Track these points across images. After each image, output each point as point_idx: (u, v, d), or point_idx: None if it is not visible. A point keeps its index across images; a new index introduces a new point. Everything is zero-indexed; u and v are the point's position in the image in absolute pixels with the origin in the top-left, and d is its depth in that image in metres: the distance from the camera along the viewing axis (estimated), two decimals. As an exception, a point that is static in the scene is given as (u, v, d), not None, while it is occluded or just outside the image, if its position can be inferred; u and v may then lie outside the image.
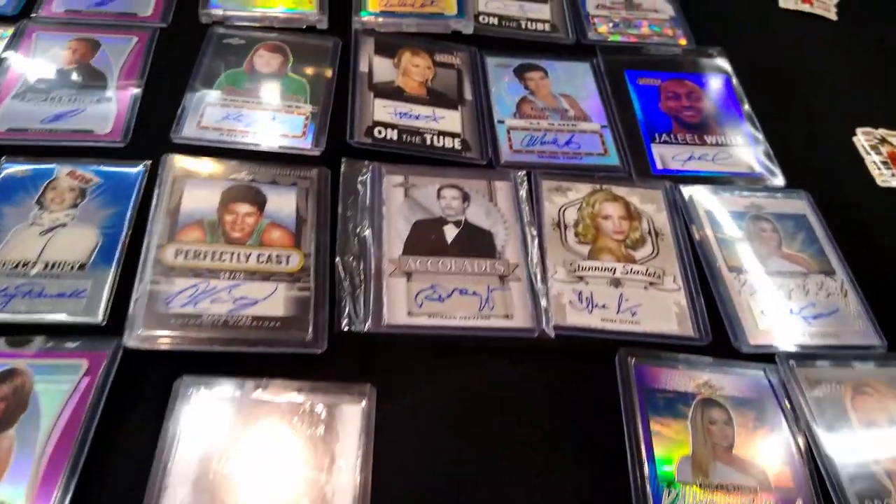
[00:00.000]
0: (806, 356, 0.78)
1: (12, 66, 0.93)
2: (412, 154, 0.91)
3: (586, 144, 0.97)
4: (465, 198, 0.88)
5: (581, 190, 0.91)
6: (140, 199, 0.81)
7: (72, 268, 0.74)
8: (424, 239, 0.83)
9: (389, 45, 1.04)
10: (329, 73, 0.99)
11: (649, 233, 0.87)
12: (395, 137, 0.92)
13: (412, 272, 0.79)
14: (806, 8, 1.27)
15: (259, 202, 0.81)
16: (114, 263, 0.75)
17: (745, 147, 1.00)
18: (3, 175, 0.81)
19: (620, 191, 0.91)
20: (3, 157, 0.83)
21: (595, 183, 0.92)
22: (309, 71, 0.99)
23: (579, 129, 0.99)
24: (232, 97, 0.94)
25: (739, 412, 0.73)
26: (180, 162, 0.83)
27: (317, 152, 0.90)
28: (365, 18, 1.07)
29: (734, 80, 1.09)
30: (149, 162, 0.85)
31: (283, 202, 0.82)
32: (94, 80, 0.93)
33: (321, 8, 1.07)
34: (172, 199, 0.79)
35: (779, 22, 1.25)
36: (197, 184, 0.81)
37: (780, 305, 0.82)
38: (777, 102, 1.09)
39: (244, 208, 0.80)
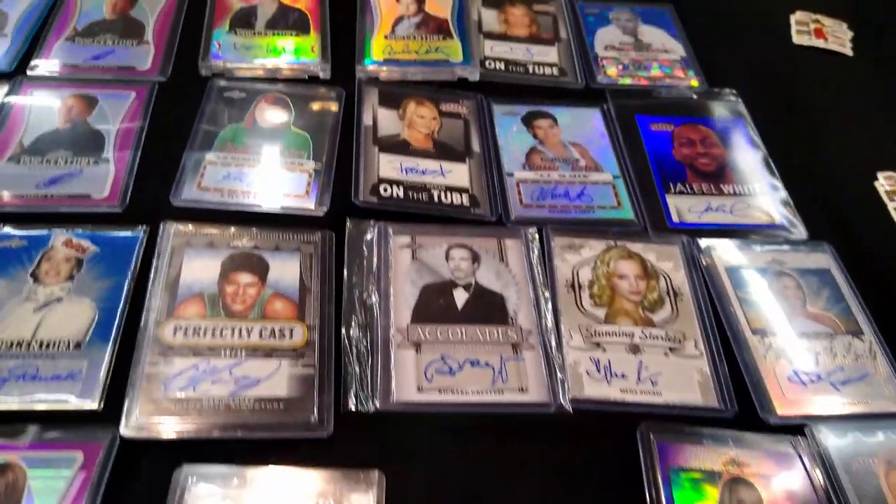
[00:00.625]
0: (836, 427, 0.74)
1: (7, 125, 0.90)
2: (419, 212, 0.89)
3: (599, 197, 0.94)
4: (475, 258, 0.84)
5: (595, 247, 0.88)
6: (138, 268, 0.78)
7: (68, 346, 0.71)
8: (434, 305, 0.79)
9: (394, 95, 1.01)
10: (332, 126, 0.97)
11: (667, 293, 0.84)
12: (401, 195, 0.89)
13: (421, 342, 0.76)
14: (820, 44, 1.24)
15: (261, 271, 0.78)
16: (110, 342, 0.72)
17: (764, 196, 0.96)
18: (-4, 246, 0.79)
19: (636, 247, 0.88)
20: (-4, 226, 0.81)
21: (609, 239, 0.88)
22: (312, 124, 0.97)
23: (591, 180, 0.95)
24: (233, 155, 0.91)
25: (770, 491, 0.69)
26: (179, 229, 0.80)
27: (321, 212, 0.87)
28: (369, 67, 1.05)
29: (749, 124, 1.06)
30: (147, 227, 0.82)
31: (286, 270, 0.79)
32: (91, 140, 0.90)
33: (324, 57, 1.05)
34: (171, 271, 0.76)
35: (793, 59, 1.21)
36: (197, 253, 0.78)
37: (808, 371, 0.78)
38: (794, 146, 1.06)
39: (245, 278, 0.77)
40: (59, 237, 0.80)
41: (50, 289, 0.76)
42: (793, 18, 1.28)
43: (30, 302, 0.74)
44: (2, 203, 0.83)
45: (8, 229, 0.80)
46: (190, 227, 0.80)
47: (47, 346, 0.71)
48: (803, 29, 1.27)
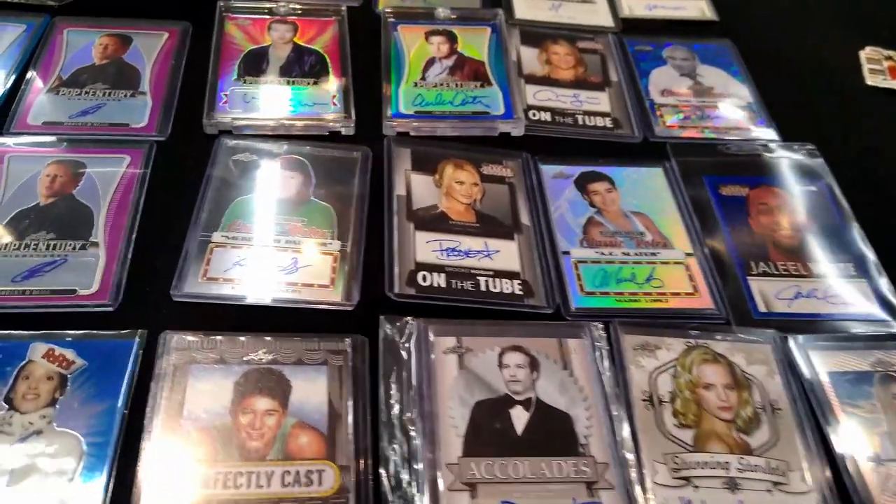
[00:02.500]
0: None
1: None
2: (465, 305, 0.76)
3: (672, 281, 0.80)
4: (534, 365, 0.71)
5: (673, 347, 0.74)
6: (134, 389, 0.65)
7: (48, 497, 0.58)
8: (488, 429, 0.66)
9: (428, 157, 0.88)
10: (359, 196, 0.84)
11: (763, 408, 0.71)
12: (442, 284, 0.76)
13: (476, 483, 0.63)
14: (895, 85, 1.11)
15: (282, 394, 0.65)
16: (101, 490, 0.59)
17: (859, 280, 0.82)
18: (-38, 361, 0.66)
19: (720, 346, 0.75)
20: (-36, 333, 0.67)
21: (688, 338, 0.76)
22: (334, 193, 0.83)
23: (660, 259, 0.82)
24: (244, 235, 0.78)
25: None
26: (183, 340, 0.67)
27: (349, 307, 0.74)
28: (398, 122, 0.91)
29: (833, 185, 0.92)
30: (143, 332, 0.69)
31: (311, 391, 0.65)
32: (77, 220, 0.77)
33: (347, 110, 0.92)
34: (174, 398, 0.63)
35: (868, 103, 1.08)
36: (204, 372, 0.65)
37: (940, 511, 0.66)
38: (882, 207, 0.93)
39: (263, 404, 0.64)
40: (38, 349, 0.67)
41: (28, 417, 0.62)
42: (862, 55, 1.15)
43: (4, 435, 0.61)
44: (-29, 302, 0.70)
45: (-23, 337, 0.67)
46: (195, 338, 0.67)
47: (23, 493, 0.58)
48: (876, 68, 1.13)
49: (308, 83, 0.93)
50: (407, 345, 0.71)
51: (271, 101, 0.91)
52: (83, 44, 0.94)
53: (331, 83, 0.94)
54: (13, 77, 0.90)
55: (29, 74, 0.90)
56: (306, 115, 0.90)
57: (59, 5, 1.00)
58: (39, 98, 0.87)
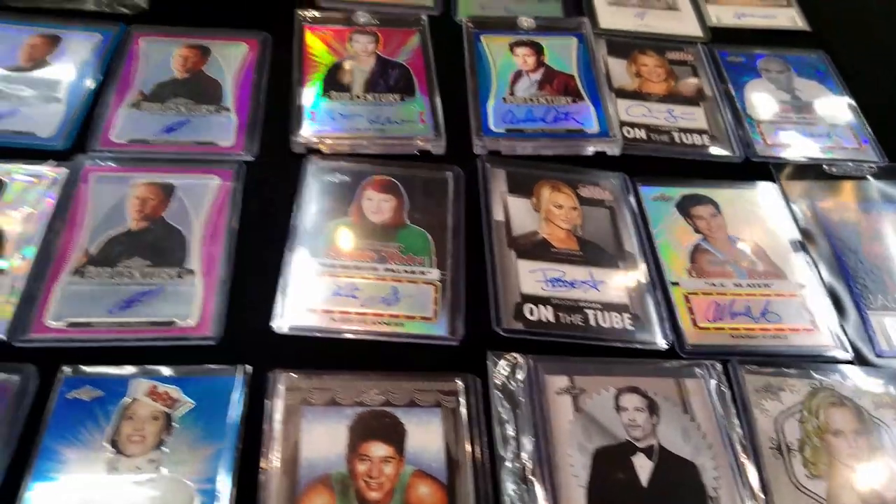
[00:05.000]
0: None
1: (67, 225, 0.74)
2: (574, 341, 0.72)
3: (788, 315, 0.76)
4: (653, 408, 0.67)
5: (797, 389, 0.70)
6: (244, 427, 0.62)
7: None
8: (612, 480, 0.62)
9: (525, 179, 0.84)
10: (454, 219, 0.80)
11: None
12: (550, 318, 0.73)
13: (604, 540, 0.60)
14: None
15: (397, 439, 0.61)
16: (217, 546, 0.57)
17: None
18: (63, 399, 0.63)
19: (846, 388, 0.71)
20: (62, 369, 0.65)
21: (812, 378, 0.71)
22: (429, 217, 0.80)
23: (775, 291, 0.78)
24: (341, 263, 0.74)
25: None
26: (293, 381, 0.64)
27: (455, 342, 0.71)
28: (488, 140, 0.87)
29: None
30: (249, 369, 0.66)
31: (427, 436, 0.62)
32: (171, 246, 0.74)
33: (436, 127, 0.88)
34: (288, 443, 0.60)
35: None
36: (317, 415, 0.62)
37: None
38: None
39: (380, 450, 0.61)
40: (141, 386, 0.64)
41: (136, 461, 0.60)
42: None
43: (112, 481, 0.59)
44: (69, 333, 0.67)
45: (80, 369, 0.65)
46: (305, 377, 0.64)
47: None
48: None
49: (394, 99, 0.90)
50: (518, 384, 0.67)
51: (358, 118, 0.87)
52: (161, 55, 0.91)
53: (417, 99, 0.90)
54: (92, 90, 0.87)
55: (108, 87, 0.87)
56: (395, 134, 0.87)
57: (132, 13, 0.97)
58: (121, 113, 0.84)
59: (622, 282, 0.77)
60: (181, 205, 0.77)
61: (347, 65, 0.93)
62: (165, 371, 0.65)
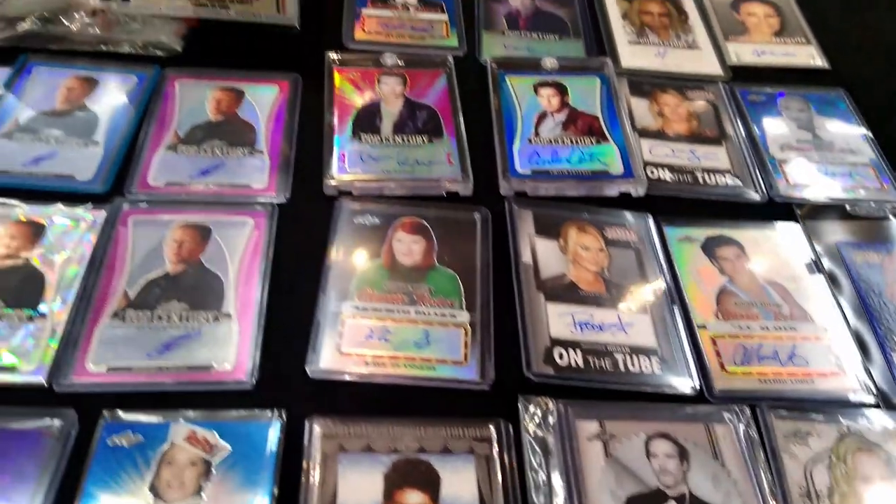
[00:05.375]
0: None
1: (106, 268, 0.76)
2: (604, 386, 0.73)
3: (814, 359, 0.77)
4: (683, 455, 0.68)
5: (825, 435, 0.71)
6: (280, 473, 0.63)
7: None
8: (643, 527, 0.64)
9: (552, 220, 0.86)
10: (482, 260, 0.81)
11: (929, 506, 0.67)
12: (580, 363, 0.74)
13: (639, 588, 0.60)
14: None
15: (432, 487, 0.62)
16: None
17: None
18: (104, 445, 0.64)
19: (874, 433, 0.71)
20: (103, 414, 0.66)
21: (840, 424, 0.72)
22: (458, 259, 0.81)
23: (801, 334, 0.78)
24: (374, 306, 0.76)
25: None
26: (329, 428, 0.65)
27: (486, 386, 0.72)
28: (515, 181, 0.89)
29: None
30: (283, 412, 0.67)
31: (461, 484, 0.63)
32: (208, 289, 0.75)
33: (464, 168, 0.90)
34: (325, 490, 0.61)
35: None
36: (353, 462, 0.63)
37: None
38: None
39: (415, 498, 0.62)
40: (179, 431, 0.65)
41: (176, 507, 0.61)
42: None
43: (153, 527, 0.60)
44: (109, 378, 0.69)
45: (120, 415, 0.66)
46: (342, 424, 0.65)
47: None
48: None
49: (422, 140, 0.92)
50: (549, 430, 0.68)
51: (387, 159, 0.89)
52: (196, 98, 0.94)
53: (444, 140, 0.92)
54: (129, 132, 0.89)
55: (145, 130, 0.89)
56: (423, 175, 0.88)
57: (167, 56, 1.00)
58: (158, 156, 0.86)
59: (649, 324, 0.77)
60: (217, 247, 0.79)
61: (376, 107, 0.95)
62: (203, 416, 0.67)
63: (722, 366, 0.75)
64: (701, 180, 0.93)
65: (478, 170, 0.90)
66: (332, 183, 0.86)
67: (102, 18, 1.01)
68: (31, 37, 0.99)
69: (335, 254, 0.80)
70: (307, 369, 0.71)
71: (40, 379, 0.68)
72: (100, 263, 0.76)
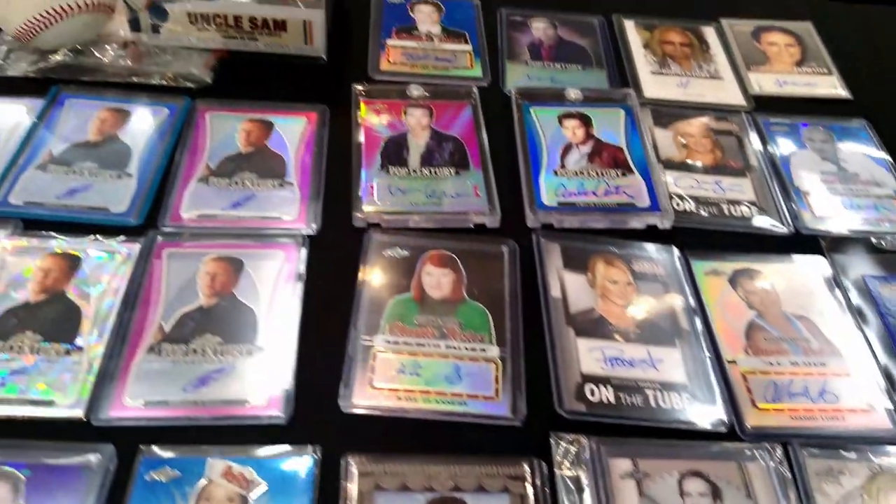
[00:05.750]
0: None
1: (141, 302, 0.77)
2: (635, 424, 0.73)
3: (844, 395, 0.76)
4: (716, 494, 0.68)
5: (857, 473, 0.71)
6: (316, 514, 0.64)
7: None
8: (679, 568, 0.64)
9: (579, 254, 0.86)
10: (511, 294, 0.82)
11: (965, 548, 0.67)
12: (611, 399, 0.74)
13: None
14: None
15: (468, 526, 0.63)
16: None
17: None
18: (143, 480, 0.65)
19: (907, 473, 0.72)
20: (141, 449, 0.67)
21: (871, 462, 0.72)
22: (486, 292, 0.82)
23: (830, 370, 0.78)
24: (405, 340, 0.77)
25: None
26: (364, 466, 0.65)
27: (518, 422, 0.72)
28: (541, 213, 0.90)
29: None
30: (318, 449, 0.68)
31: (497, 523, 0.64)
32: (242, 322, 0.76)
33: (491, 200, 0.90)
34: (364, 530, 0.62)
35: None
36: (390, 500, 0.63)
37: None
38: None
39: (452, 536, 0.63)
40: (216, 466, 0.66)
41: (213, 547, 0.62)
42: None
43: (191, 567, 0.61)
44: (146, 413, 0.69)
45: (157, 450, 0.67)
46: (377, 462, 0.66)
47: None
48: None
49: (449, 173, 0.93)
50: (582, 467, 0.68)
51: (415, 192, 0.90)
52: (226, 129, 0.95)
53: (471, 172, 0.93)
54: (162, 164, 0.91)
55: (177, 162, 0.91)
56: (450, 208, 0.89)
57: (197, 87, 1.01)
58: (190, 188, 0.88)
59: (679, 360, 0.78)
60: (250, 280, 0.80)
61: (403, 139, 0.97)
62: (238, 451, 0.67)
63: (753, 402, 0.75)
64: (726, 212, 0.94)
65: (504, 201, 0.91)
66: (361, 215, 0.87)
67: (133, 50, 1.03)
68: (63, 68, 1.01)
69: (365, 287, 0.81)
70: (340, 404, 0.72)
71: (78, 413, 0.68)
72: (135, 297, 0.77)
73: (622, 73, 1.12)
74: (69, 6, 0.94)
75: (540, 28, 1.18)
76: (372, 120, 0.99)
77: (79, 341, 0.73)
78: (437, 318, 0.79)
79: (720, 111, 1.07)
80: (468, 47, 1.13)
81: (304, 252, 0.83)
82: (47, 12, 0.94)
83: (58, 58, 1.01)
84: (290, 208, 0.87)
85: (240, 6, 1.00)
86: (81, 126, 0.94)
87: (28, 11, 0.94)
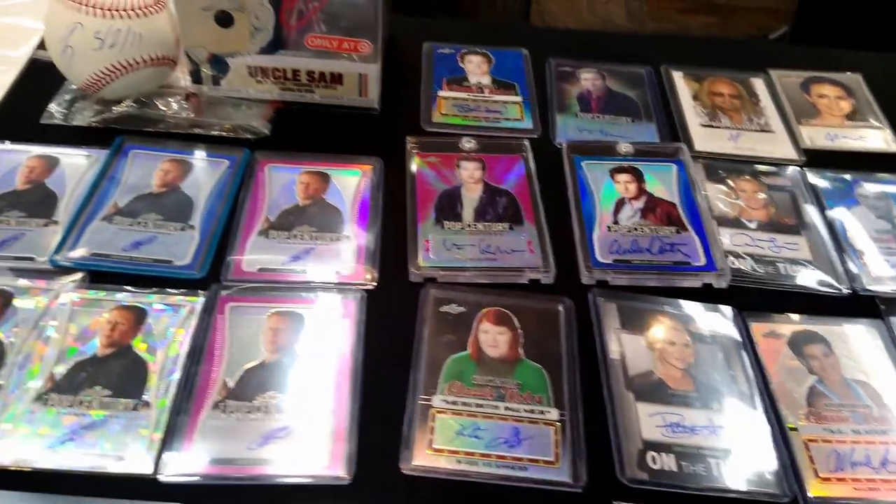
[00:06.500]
0: None
1: (206, 356, 0.78)
2: (699, 493, 0.72)
3: (910, 468, 0.76)
4: (783, 569, 0.68)
5: (928, 552, 0.70)
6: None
7: None
8: None
9: (636, 314, 0.86)
10: (568, 355, 0.82)
11: None
12: (673, 467, 0.73)
13: None
14: None
15: None
16: None
17: None
18: (212, 540, 0.66)
19: (979, 552, 0.70)
20: (208, 508, 0.68)
21: (943, 540, 0.71)
22: (542, 352, 0.82)
23: (892, 438, 0.77)
24: (463, 400, 0.77)
25: None
26: (430, 533, 0.66)
27: (578, 488, 0.72)
28: (596, 271, 0.90)
29: None
30: (381, 512, 0.69)
31: None
32: (302, 376, 0.77)
33: (545, 257, 0.91)
34: None
35: None
36: (455, 571, 0.64)
37: None
38: None
39: None
40: (282, 529, 0.67)
41: None
42: None
43: None
44: (212, 472, 0.70)
45: (221, 510, 0.68)
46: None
47: None
48: None
49: (503, 228, 0.94)
50: (647, 539, 0.68)
51: (470, 247, 0.91)
52: (285, 181, 0.97)
53: (525, 227, 0.94)
54: (223, 216, 0.93)
55: (238, 215, 0.93)
56: (505, 264, 0.90)
57: (255, 139, 1.04)
58: (251, 242, 0.90)
59: (741, 427, 0.77)
60: (311, 335, 0.81)
61: (457, 192, 0.98)
62: (304, 513, 0.68)
63: (815, 472, 0.74)
64: (783, 271, 0.93)
65: (557, 257, 0.92)
66: (417, 270, 0.88)
67: (195, 102, 1.06)
68: (126, 118, 1.04)
69: (423, 343, 0.82)
70: (401, 466, 0.72)
71: (147, 469, 0.70)
72: (199, 351, 0.79)
73: (672, 125, 1.12)
74: (135, 60, 0.98)
75: (588, 79, 1.19)
76: (425, 172, 1.00)
77: (146, 396, 0.75)
78: (494, 377, 0.79)
79: (773, 165, 1.07)
80: (518, 98, 1.14)
81: (362, 306, 0.84)
82: (114, 66, 0.97)
83: (121, 108, 1.04)
84: (347, 262, 0.88)
85: (299, 60, 1.03)
86: (145, 177, 0.97)
87: (96, 65, 0.97)
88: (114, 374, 0.77)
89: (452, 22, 2.21)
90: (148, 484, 0.70)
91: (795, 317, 0.88)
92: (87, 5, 0.94)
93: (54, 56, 1.00)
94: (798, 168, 1.07)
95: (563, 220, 0.97)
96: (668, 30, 3.69)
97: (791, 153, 1.10)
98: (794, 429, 0.78)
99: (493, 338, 0.83)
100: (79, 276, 0.84)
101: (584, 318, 0.86)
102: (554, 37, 1.41)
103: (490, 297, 0.87)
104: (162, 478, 0.70)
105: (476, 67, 1.19)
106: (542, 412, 0.77)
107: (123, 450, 0.71)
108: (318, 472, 0.71)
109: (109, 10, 0.94)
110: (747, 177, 1.05)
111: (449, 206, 0.96)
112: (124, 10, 0.95)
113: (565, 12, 3.84)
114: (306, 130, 1.07)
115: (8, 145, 1.00)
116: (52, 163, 0.98)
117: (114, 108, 1.04)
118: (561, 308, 0.86)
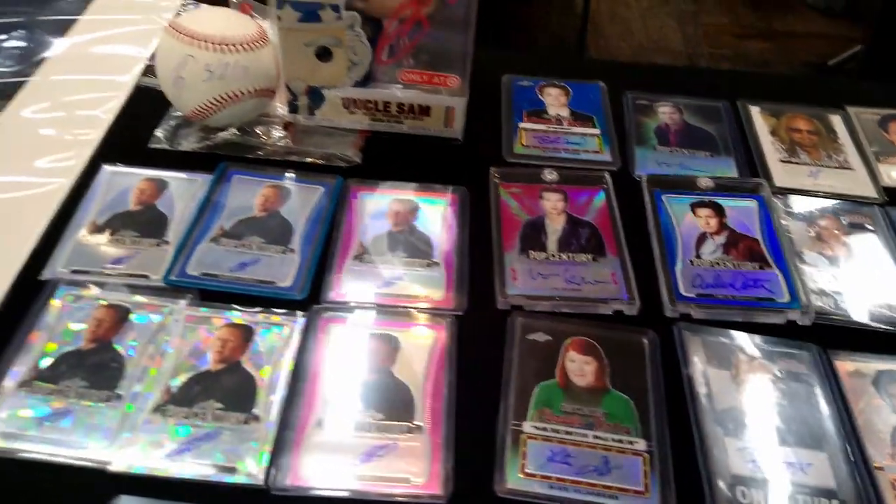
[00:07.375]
0: None
1: (309, 375, 0.83)
2: (788, 528, 0.74)
3: None
4: None
5: None
6: None
7: None
8: None
9: (722, 349, 0.88)
10: (653, 386, 0.84)
11: None
12: (762, 502, 0.75)
13: None
14: None
15: None
16: None
17: None
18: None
19: None
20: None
21: None
22: (628, 383, 0.85)
23: None
24: (553, 427, 0.80)
25: None
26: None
27: (671, 524, 0.74)
28: (679, 305, 0.92)
29: None
30: (477, 533, 0.72)
31: None
32: (399, 401, 0.81)
33: (628, 288, 0.94)
34: None
35: None
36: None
37: None
38: None
39: None
40: (387, 543, 0.71)
41: None
42: None
43: None
44: (319, 487, 0.75)
45: (327, 523, 0.72)
46: (541, 553, 0.69)
47: None
48: None
49: (586, 259, 0.97)
50: (738, 572, 0.70)
51: (555, 277, 0.94)
52: (376, 209, 1.02)
53: (608, 259, 0.97)
54: (321, 241, 0.98)
55: (333, 240, 0.98)
56: (590, 294, 0.93)
57: (347, 166, 1.09)
58: (346, 268, 0.94)
59: (826, 464, 0.78)
60: (405, 358, 0.86)
61: (540, 223, 1.01)
62: (404, 529, 0.72)
63: (905, 513, 0.75)
64: (866, 309, 0.94)
65: (642, 289, 0.94)
66: (505, 298, 0.92)
67: (291, 130, 1.12)
68: (228, 145, 1.11)
69: (512, 370, 0.85)
70: (495, 488, 0.75)
71: (258, 482, 0.75)
72: (303, 369, 0.84)
73: (750, 161, 1.14)
74: (240, 92, 1.04)
75: (666, 112, 1.21)
76: (509, 203, 1.04)
77: (255, 410, 0.80)
78: (582, 406, 0.82)
79: (852, 202, 1.08)
80: (596, 131, 1.17)
81: (453, 331, 0.88)
82: (221, 97, 1.04)
83: (223, 135, 1.11)
84: (438, 289, 0.93)
85: (390, 93, 1.08)
86: (247, 201, 1.03)
87: (204, 95, 1.04)
88: (225, 388, 0.82)
89: (528, 54, 2.26)
90: (259, 495, 0.74)
91: (879, 355, 0.89)
92: (199, 39, 1.01)
93: (165, 86, 1.07)
94: (878, 206, 1.08)
95: (644, 252, 0.99)
96: (724, 55, 3.68)
97: (871, 191, 1.10)
98: (881, 468, 0.78)
99: (579, 367, 0.86)
100: (190, 294, 0.91)
101: (668, 350, 0.89)
102: (630, 70, 1.44)
103: (575, 327, 0.90)
104: (274, 490, 0.74)
105: (554, 100, 1.23)
106: (630, 442, 0.79)
107: (237, 462, 0.76)
108: (417, 491, 0.74)
109: (220, 44, 1.01)
110: (828, 214, 1.06)
111: (533, 236, 0.99)
112: (233, 45, 1.02)
113: (621, 35, 3.87)
114: (393, 159, 1.12)
115: (120, 168, 1.08)
116: (161, 185, 1.05)
117: (216, 134, 1.11)
118: (646, 340, 0.89)
